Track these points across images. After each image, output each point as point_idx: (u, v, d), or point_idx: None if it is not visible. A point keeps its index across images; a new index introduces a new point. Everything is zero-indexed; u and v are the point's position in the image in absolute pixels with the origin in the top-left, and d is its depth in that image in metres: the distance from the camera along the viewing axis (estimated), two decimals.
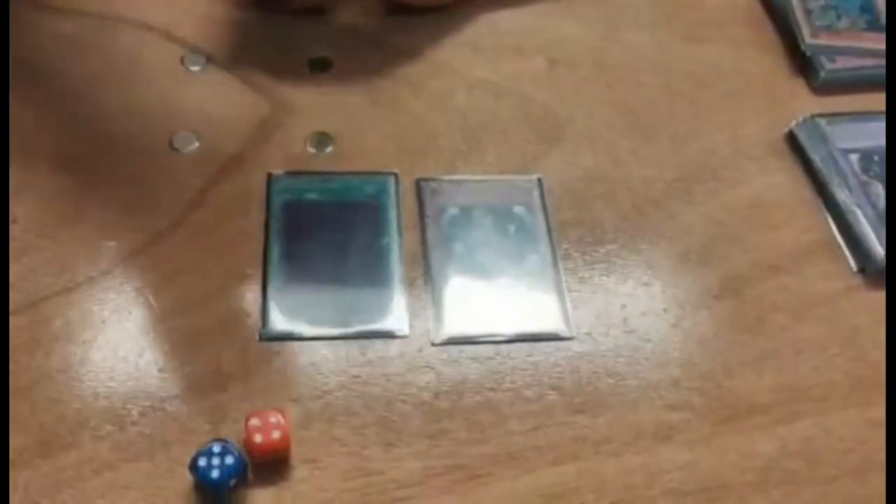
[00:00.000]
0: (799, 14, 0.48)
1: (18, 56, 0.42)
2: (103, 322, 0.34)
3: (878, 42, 0.47)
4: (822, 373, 0.36)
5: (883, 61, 0.46)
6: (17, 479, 0.30)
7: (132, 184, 0.38)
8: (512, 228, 0.39)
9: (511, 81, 0.45)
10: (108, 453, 0.31)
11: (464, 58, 0.45)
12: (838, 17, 0.48)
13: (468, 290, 0.37)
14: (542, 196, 0.40)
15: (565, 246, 0.38)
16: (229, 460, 0.30)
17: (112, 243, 0.36)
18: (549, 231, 0.39)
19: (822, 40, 0.47)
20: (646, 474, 0.32)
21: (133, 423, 0.32)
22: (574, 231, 0.39)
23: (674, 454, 0.33)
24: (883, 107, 0.45)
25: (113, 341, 0.34)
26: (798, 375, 0.35)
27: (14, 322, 0.34)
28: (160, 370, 0.33)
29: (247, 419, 0.31)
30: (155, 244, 0.37)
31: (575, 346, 0.36)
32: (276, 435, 0.31)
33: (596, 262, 0.38)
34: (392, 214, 0.39)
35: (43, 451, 0.31)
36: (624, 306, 0.37)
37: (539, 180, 0.40)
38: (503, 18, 0.47)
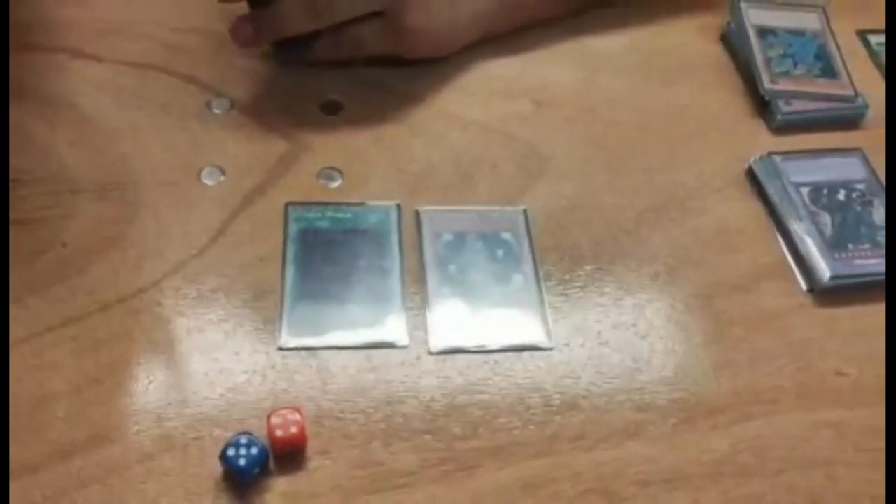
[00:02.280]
0: (759, 61, 0.53)
1: (63, 100, 0.48)
2: (143, 333, 0.39)
3: (830, 87, 0.52)
4: (773, 379, 0.40)
5: (833, 104, 0.52)
6: (70, 467, 0.35)
7: (166, 213, 0.43)
8: (500, 252, 0.44)
9: (500, 122, 0.50)
10: (149, 445, 0.36)
11: (458, 101, 0.50)
12: (795, 65, 0.53)
13: (461, 306, 0.41)
14: (526, 224, 0.45)
15: (547, 267, 0.43)
16: (254, 451, 0.35)
17: (149, 265, 0.41)
18: (533, 254, 0.44)
19: (780, 86, 0.52)
20: (615, 467, 0.37)
21: (169, 420, 0.36)
22: (555, 254, 0.44)
23: (640, 449, 0.37)
24: (832, 145, 0.50)
25: (151, 350, 0.39)
26: (752, 381, 0.40)
27: (65, 332, 0.39)
28: (192, 375, 0.38)
29: (269, 416, 0.36)
30: (186, 266, 0.41)
31: (554, 356, 0.40)
32: (293, 430, 0.35)
33: (574, 281, 0.43)
34: (394, 240, 0.43)
35: (93, 444, 0.35)
36: (598, 321, 0.42)
37: (524, 210, 0.45)
38: (493, 66, 0.52)
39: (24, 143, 0.45)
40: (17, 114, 0.46)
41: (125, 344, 0.39)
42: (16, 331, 0.38)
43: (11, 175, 0.43)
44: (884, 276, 0.44)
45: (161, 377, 0.38)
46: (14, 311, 0.39)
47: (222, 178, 0.45)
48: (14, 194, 0.43)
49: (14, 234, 0.41)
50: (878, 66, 0.56)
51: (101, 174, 0.44)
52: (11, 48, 0.50)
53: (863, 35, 0.57)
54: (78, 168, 0.44)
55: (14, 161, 0.44)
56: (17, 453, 0.35)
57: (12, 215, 0.42)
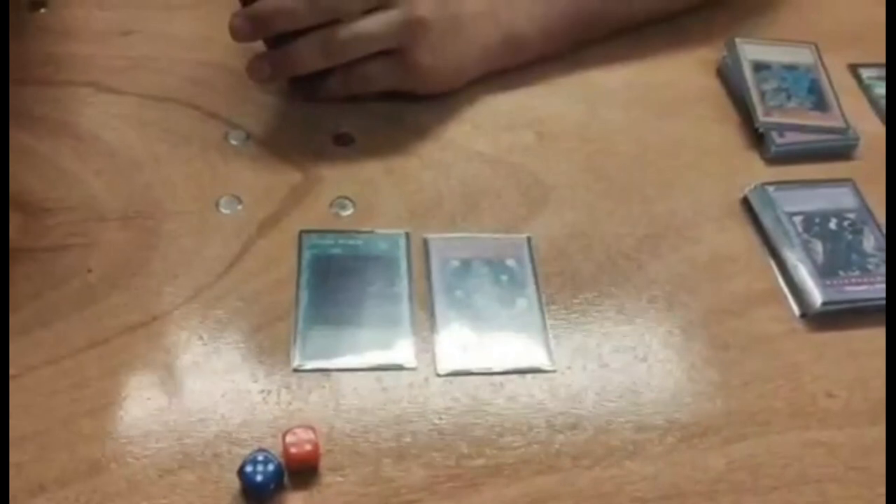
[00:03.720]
0: (754, 95, 0.55)
1: (91, 133, 0.50)
2: (164, 356, 0.41)
3: (822, 120, 0.54)
4: (765, 400, 0.42)
5: (825, 136, 0.54)
6: (96, 482, 0.37)
7: (186, 240, 0.45)
8: (504, 278, 0.46)
9: (504, 153, 0.52)
10: (170, 462, 0.37)
11: (465, 133, 0.53)
12: (788, 98, 0.55)
13: (467, 330, 0.43)
14: (530, 250, 0.47)
15: (549, 293, 0.45)
16: (270, 467, 0.36)
17: (170, 290, 0.43)
18: (536, 280, 0.45)
19: (774, 118, 0.54)
20: (615, 484, 0.38)
21: (189, 437, 0.38)
22: (557, 280, 0.46)
23: (639, 468, 0.39)
24: (824, 175, 0.52)
25: (172, 371, 0.40)
26: (745, 402, 0.42)
27: (91, 353, 0.40)
28: (211, 394, 0.40)
29: (284, 434, 0.37)
30: (205, 291, 0.43)
31: (557, 378, 0.42)
32: (308, 448, 0.37)
33: (575, 306, 0.45)
34: (403, 266, 0.45)
35: (117, 460, 0.37)
36: (599, 344, 0.43)
37: (528, 238, 0.47)
38: (498, 99, 0.55)
39: (53, 174, 0.47)
40: (46, 146, 0.49)
41: (148, 365, 0.41)
42: (45, 352, 0.40)
43: (43, 205, 0.46)
44: (873, 302, 0.45)
45: (181, 397, 0.40)
46: (43, 334, 0.41)
47: (239, 207, 0.47)
48: (44, 223, 0.45)
49: (44, 260, 0.44)
50: (869, 98, 0.58)
51: (126, 203, 0.47)
52: (39, 83, 0.52)
53: (854, 69, 0.59)
54: (104, 197, 0.47)
55: (44, 191, 0.46)
56: (45, 469, 0.37)
57: (42, 243, 0.44)
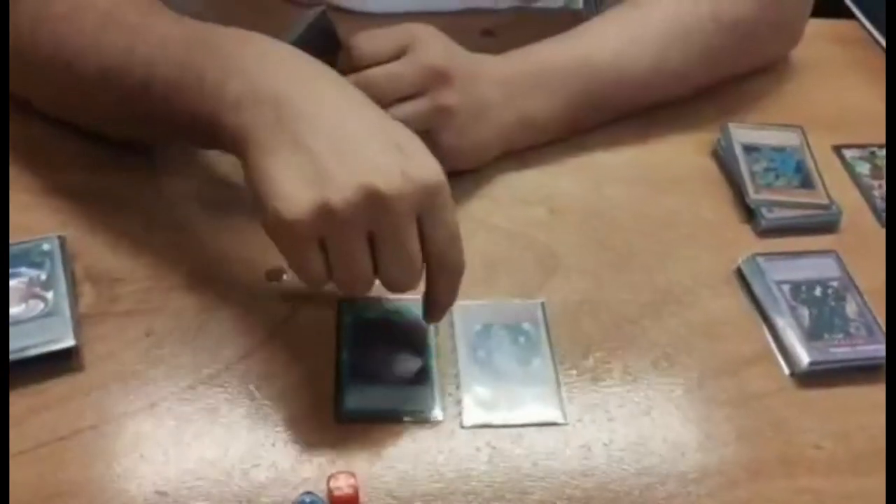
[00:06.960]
0: (746, 174, 0.61)
1: (156, 210, 0.56)
2: (220, 408, 0.46)
3: (808, 197, 0.60)
4: (757, 452, 0.47)
5: (811, 211, 0.59)
6: None
7: (241, 306, 0.51)
8: (521, 339, 0.51)
9: (520, 226, 0.57)
10: (227, 502, 0.42)
11: (484, 208, 0.58)
12: (777, 177, 0.61)
13: (489, 386, 0.48)
14: (544, 315, 0.52)
15: (562, 353, 0.50)
16: None
17: (226, 351, 0.49)
18: (550, 341, 0.51)
19: (764, 195, 0.60)
20: None
21: (246, 480, 0.43)
22: (568, 342, 0.51)
23: None
24: (810, 247, 0.57)
25: (227, 422, 0.46)
26: (738, 453, 0.46)
27: (156, 410, 0.46)
28: (262, 443, 0.45)
29: (329, 478, 0.42)
30: (257, 351, 0.49)
31: (569, 429, 0.47)
32: (349, 491, 0.42)
33: (585, 365, 0.50)
34: (431, 329, 0.50)
35: (178, 501, 0.42)
36: (606, 400, 0.48)
37: (542, 303, 0.53)
38: (514, 178, 0.60)
39: (129, 249, 0.53)
40: (119, 221, 0.54)
41: (206, 418, 0.46)
42: (122, 405, 0.46)
43: (113, 275, 0.51)
44: (855, 362, 0.51)
45: (236, 445, 0.45)
46: (119, 387, 0.46)
47: (286, 277, 0.53)
48: (115, 291, 0.51)
49: (116, 323, 0.49)
50: (851, 175, 0.64)
51: (187, 274, 0.52)
52: (112, 167, 0.58)
53: (838, 149, 0.65)
54: (167, 268, 0.52)
55: (115, 262, 0.52)
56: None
57: (114, 308, 0.50)
